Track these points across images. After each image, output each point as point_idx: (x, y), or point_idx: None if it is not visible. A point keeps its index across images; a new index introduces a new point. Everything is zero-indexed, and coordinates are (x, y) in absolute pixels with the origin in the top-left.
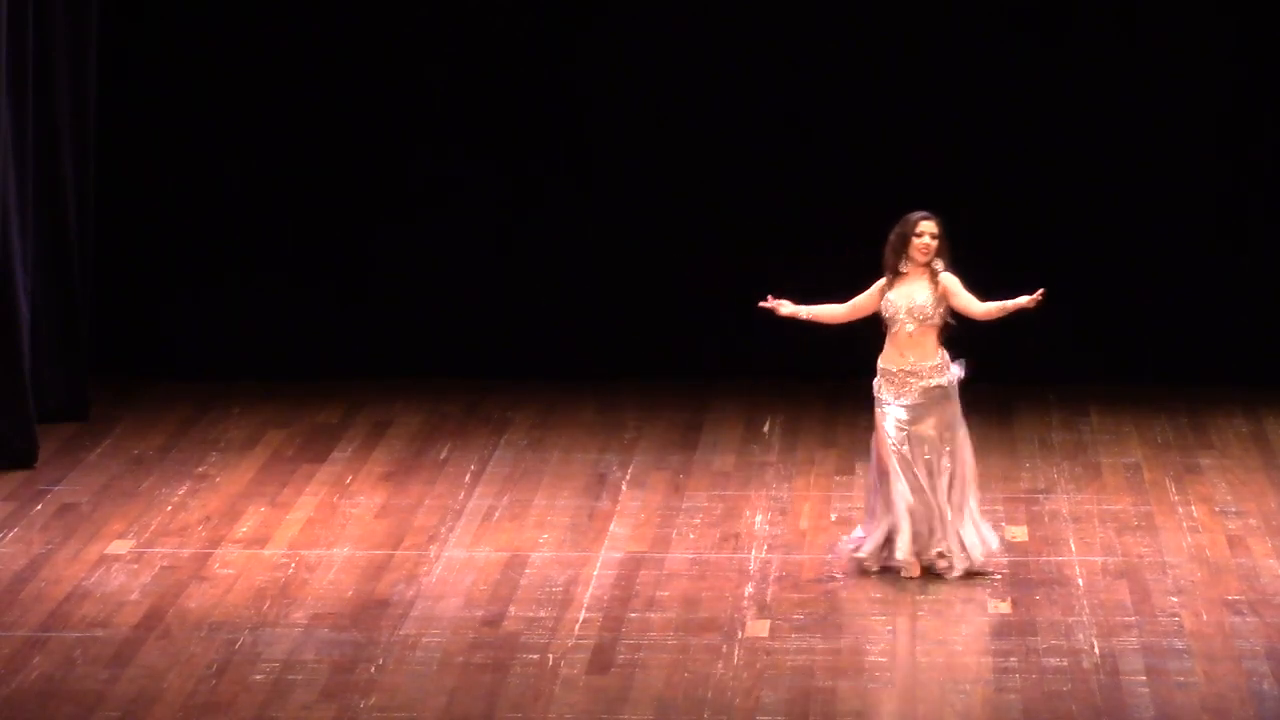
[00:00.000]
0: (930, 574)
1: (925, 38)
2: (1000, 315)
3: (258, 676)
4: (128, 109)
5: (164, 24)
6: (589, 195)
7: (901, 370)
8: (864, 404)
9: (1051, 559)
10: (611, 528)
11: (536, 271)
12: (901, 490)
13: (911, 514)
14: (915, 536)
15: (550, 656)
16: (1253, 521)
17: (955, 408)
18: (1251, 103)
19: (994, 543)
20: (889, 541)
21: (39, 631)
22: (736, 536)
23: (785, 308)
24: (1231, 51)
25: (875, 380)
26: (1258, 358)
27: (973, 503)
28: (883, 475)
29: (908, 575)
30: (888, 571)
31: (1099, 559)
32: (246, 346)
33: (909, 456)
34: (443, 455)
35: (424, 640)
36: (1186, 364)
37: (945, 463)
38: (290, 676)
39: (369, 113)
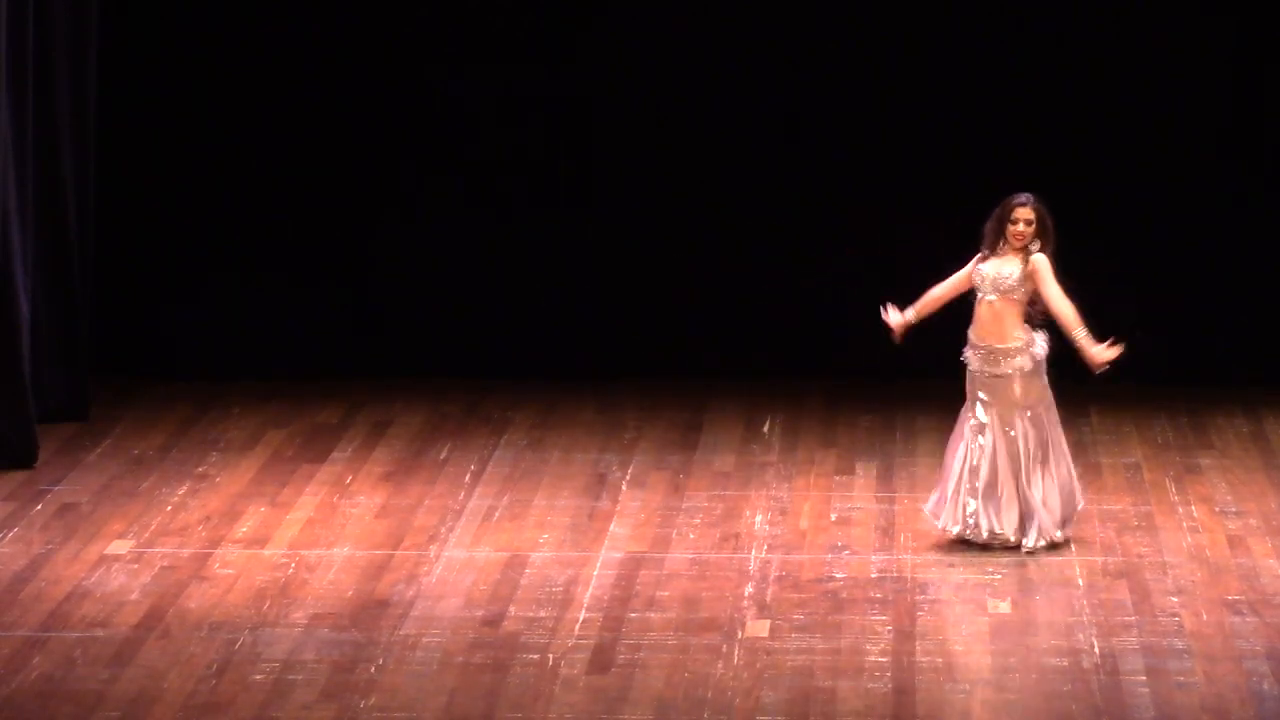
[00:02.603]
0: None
1: (925, 38)
2: (1066, 330)
3: (258, 676)
4: (128, 109)
5: (164, 24)
6: (589, 195)
7: (984, 345)
8: (864, 404)
9: (1052, 559)
10: (611, 528)
11: (536, 271)
12: (960, 458)
13: (963, 486)
14: (963, 507)
15: (550, 656)
16: (1253, 521)
17: (1041, 382)
18: (1252, 102)
19: (1060, 522)
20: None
21: (39, 631)
22: (736, 536)
23: (894, 318)
24: (1232, 51)
25: (965, 350)
26: (1258, 358)
27: (1053, 471)
28: (953, 442)
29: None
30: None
31: (1099, 559)
32: (246, 346)
33: (981, 431)
34: (443, 455)
35: (424, 640)
36: (1186, 364)
37: (1029, 434)
38: (290, 676)
39: (369, 113)
